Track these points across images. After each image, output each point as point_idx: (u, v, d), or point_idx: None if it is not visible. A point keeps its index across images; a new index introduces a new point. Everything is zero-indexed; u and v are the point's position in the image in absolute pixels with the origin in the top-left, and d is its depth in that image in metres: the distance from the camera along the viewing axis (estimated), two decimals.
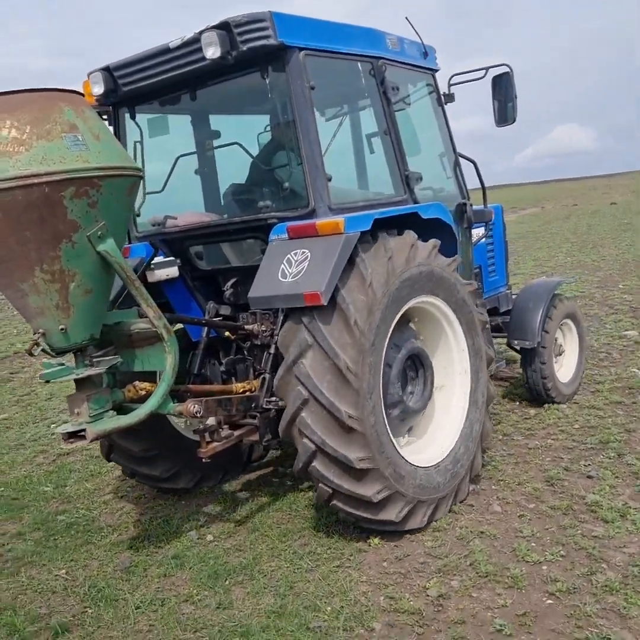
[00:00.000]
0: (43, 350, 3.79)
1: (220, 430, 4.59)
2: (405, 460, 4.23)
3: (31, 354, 3.75)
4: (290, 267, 4.03)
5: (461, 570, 3.97)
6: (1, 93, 3.52)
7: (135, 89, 4.65)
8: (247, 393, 4.75)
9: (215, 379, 5.30)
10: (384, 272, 4.06)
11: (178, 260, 5.03)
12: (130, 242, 5.15)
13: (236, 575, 4.21)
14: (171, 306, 5.13)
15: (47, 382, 3.94)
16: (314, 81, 4.18)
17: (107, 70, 4.65)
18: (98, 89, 4.69)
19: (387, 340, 4.13)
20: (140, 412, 4.02)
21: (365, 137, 5.09)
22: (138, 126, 5.02)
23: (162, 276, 4.93)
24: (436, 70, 5.52)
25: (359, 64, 4.61)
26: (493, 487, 4.94)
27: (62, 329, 3.76)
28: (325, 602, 3.81)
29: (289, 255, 4.08)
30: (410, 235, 4.27)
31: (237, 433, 4.68)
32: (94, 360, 4.03)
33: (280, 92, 4.31)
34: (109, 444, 5.09)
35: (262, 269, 4.17)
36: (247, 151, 4.80)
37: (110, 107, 5.04)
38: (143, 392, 4.26)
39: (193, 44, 4.18)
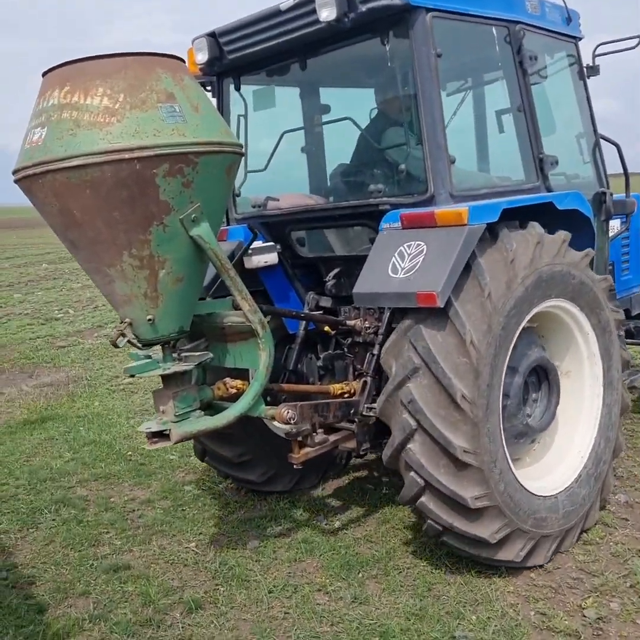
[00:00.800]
0: (129, 341, 3.48)
1: (314, 434, 4.20)
2: (528, 491, 3.70)
3: (116, 346, 3.44)
4: (402, 262, 3.54)
5: (621, 592, 3.64)
6: (95, 57, 3.18)
7: (242, 57, 4.25)
8: (346, 396, 4.33)
9: (311, 375, 4.91)
10: (505, 277, 3.50)
11: (278, 246, 4.63)
12: (228, 224, 4.80)
13: (370, 569, 4.05)
14: (268, 295, 4.76)
15: (132, 376, 3.62)
16: (441, 48, 3.64)
17: (213, 36, 4.28)
18: (202, 57, 4.33)
19: (508, 357, 3.59)
20: (229, 414, 3.66)
21: (495, 113, 4.48)
22: (243, 98, 4.63)
23: (260, 263, 4.55)
24: (579, 39, 4.83)
25: (493, 29, 4.02)
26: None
27: (149, 320, 3.44)
28: (469, 610, 3.57)
29: (401, 248, 3.58)
30: (535, 229, 3.68)
31: (332, 438, 4.27)
32: (183, 354, 3.71)
33: (402, 61, 3.79)
34: (201, 447, 4.80)
35: (370, 261, 3.70)
36: (359, 128, 4.31)
37: (215, 77, 4.67)
38: (234, 391, 3.90)
39: (306, 5, 3.72)
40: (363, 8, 3.56)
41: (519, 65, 4.10)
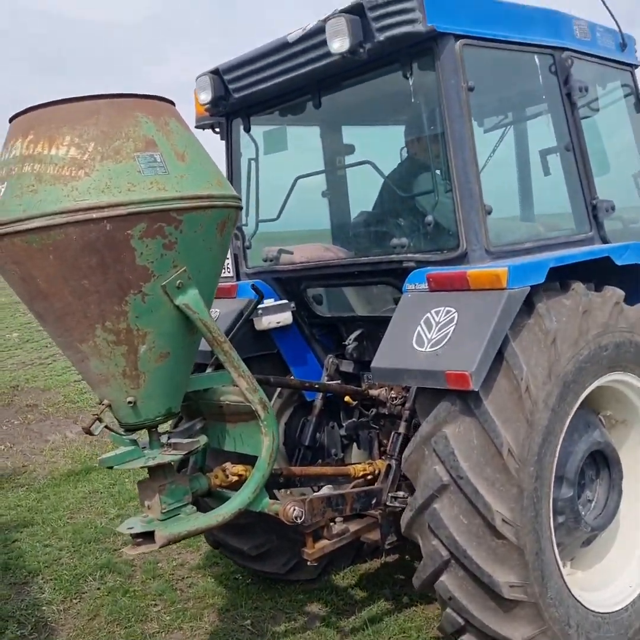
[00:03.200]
0: (107, 427, 2.97)
1: (332, 525, 3.61)
2: (574, 598, 3.02)
3: (90, 433, 2.93)
4: (429, 332, 2.97)
5: None
6: (64, 100, 2.73)
7: (249, 95, 3.79)
8: (369, 477, 3.74)
9: (333, 446, 4.35)
10: (546, 363, 2.91)
11: (292, 304, 4.11)
12: (238, 279, 4.30)
13: None
14: (283, 358, 4.23)
15: (109, 468, 3.10)
16: (473, 80, 3.10)
17: (217, 74, 3.82)
18: (206, 96, 3.88)
19: (556, 455, 2.97)
20: (225, 511, 3.10)
21: (539, 153, 3.91)
22: (253, 140, 4.17)
23: (272, 323, 4.03)
24: (636, 66, 4.24)
25: (535, 57, 3.47)
26: None
27: (130, 402, 2.92)
28: None
29: (428, 314, 3.02)
30: (578, 293, 3.09)
31: (353, 528, 3.67)
32: (172, 439, 3.18)
33: (428, 96, 3.26)
34: (213, 538, 4.23)
35: (392, 329, 3.14)
36: (380, 172, 3.78)
37: (223, 118, 4.22)
38: (235, 479, 3.35)
39: (316, 35, 3.24)
40: (381, 37, 3.05)
41: (566, 97, 3.53)
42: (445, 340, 2.88)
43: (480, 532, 2.78)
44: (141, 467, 3.01)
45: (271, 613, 4.14)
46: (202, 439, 3.24)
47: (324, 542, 3.57)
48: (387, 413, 3.92)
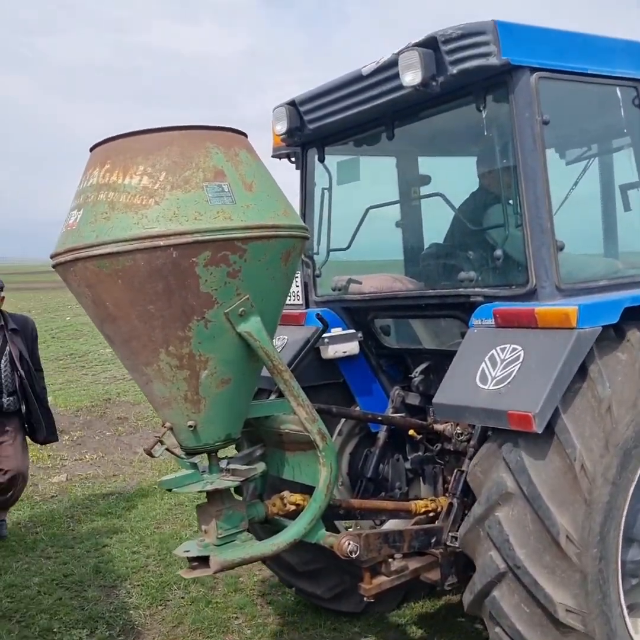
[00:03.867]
0: (168, 449, 3.02)
1: (391, 561, 3.54)
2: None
3: (150, 455, 2.99)
4: (493, 369, 2.88)
5: None
6: (140, 131, 2.84)
7: (324, 126, 3.83)
8: (431, 514, 3.64)
9: (398, 479, 4.27)
10: (634, 385, 2.76)
11: (359, 334, 4.10)
12: (307, 307, 4.32)
13: None
14: (349, 387, 4.20)
15: (169, 490, 3.14)
16: (549, 114, 3.02)
17: (293, 105, 3.89)
18: (281, 127, 3.94)
19: (634, 483, 2.80)
20: (280, 542, 3.09)
21: (619, 188, 3.76)
22: (327, 170, 4.20)
23: (339, 353, 4.03)
24: None
25: (617, 90, 3.35)
26: None
27: (190, 426, 2.97)
28: None
29: (493, 351, 2.94)
30: None
31: (412, 566, 3.58)
32: (231, 465, 3.20)
33: (501, 129, 3.21)
34: (287, 582, 4.24)
35: (456, 364, 3.08)
36: (450, 204, 3.73)
37: (299, 148, 4.28)
38: (293, 508, 3.34)
39: (390, 68, 3.24)
40: (454, 70, 3.03)
41: None
42: (510, 378, 2.79)
43: (544, 622, 2.67)
44: (199, 491, 3.04)
45: (349, 635, 4.17)
46: (260, 466, 3.25)
47: (381, 579, 3.50)
48: (452, 449, 3.83)
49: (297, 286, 4.35)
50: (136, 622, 4.41)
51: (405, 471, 4.28)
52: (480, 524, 2.84)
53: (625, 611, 2.80)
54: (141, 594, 4.76)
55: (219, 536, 3.06)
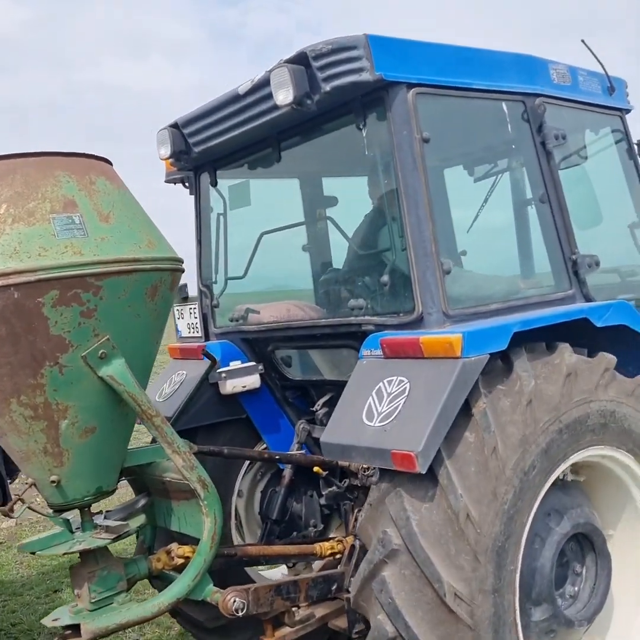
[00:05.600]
0: (30, 507, 2.73)
1: (295, 610, 3.29)
2: None
3: (7, 515, 2.70)
4: (380, 404, 2.69)
5: None
6: None
7: (209, 149, 3.62)
8: (338, 556, 3.42)
9: (312, 516, 4.03)
10: (520, 425, 2.62)
11: (261, 366, 3.87)
12: (206, 339, 4.08)
13: None
14: (253, 422, 3.97)
15: (32, 553, 2.85)
16: (430, 131, 2.87)
17: (176, 127, 3.67)
18: (165, 151, 3.72)
19: (526, 530, 2.63)
20: (161, 602, 2.82)
21: (513, 206, 3.63)
22: (221, 195, 3.98)
23: (238, 387, 3.80)
24: (627, 111, 3.97)
25: (503, 104, 3.22)
26: None
27: (53, 482, 2.69)
28: None
29: (380, 384, 2.75)
30: (564, 355, 2.79)
31: (319, 614, 3.33)
32: (106, 520, 2.93)
33: (381, 148, 3.04)
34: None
35: (344, 400, 2.88)
36: (339, 229, 3.55)
37: (192, 172, 4.06)
38: (181, 561, 3.06)
39: (264, 87, 3.05)
40: (327, 87, 2.85)
41: (540, 146, 3.26)
42: (395, 414, 2.60)
43: (429, 607, 2.44)
44: (64, 554, 2.75)
45: None
46: (139, 520, 2.99)
47: (285, 630, 3.26)
48: (359, 485, 3.62)
49: (196, 318, 4.11)
50: None
51: (320, 508, 4.05)
52: (368, 583, 2.62)
53: (519, 615, 2.59)
54: None
55: (93, 600, 2.79)
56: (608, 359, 2.91)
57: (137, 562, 3.03)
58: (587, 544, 3.01)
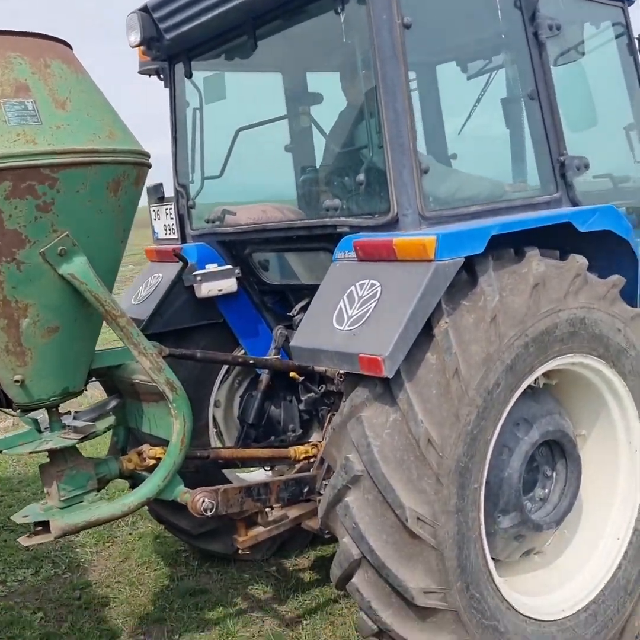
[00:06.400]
0: None
1: (268, 511, 3.33)
2: (507, 604, 2.67)
3: None
4: (350, 308, 2.61)
5: None
6: None
7: (182, 36, 3.39)
8: (312, 460, 3.44)
9: (291, 421, 4.04)
10: (483, 343, 2.52)
11: (237, 270, 3.77)
12: (183, 242, 3.96)
13: None
14: (230, 327, 3.91)
15: None
16: (412, 16, 2.65)
17: (146, 11, 3.43)
18: (135, 37, 3.49)
19: (490, 448, 2.60)
20: (131, 501, 2.83)
21: (501, 103, 3.43)
22: (197, 88, 3.77)
23: (214, 291, 3.71)
24: (629, 2, 3.71)
25: None
26: None
27: (16, 381, 2.64)
28: None
29: (352, 288, 2.66)
30: (532, 263, 2.67)
31: (292, 515, 3.38)
32: (74, 421, 2.90)
33: (360, 35, 2.82)
34: (156, 513, 3.97)
35: (315, 303, 2.80)
36: (318, 127, 3.36)
37: (167, 62, 3.83)
38: (152, 462, 3.06)
39: None
40: None
41: (532, 37, 3.04)
42: (365, 318, 2.52)
43: (392, 530, 2.45)
44: (30, 453, 2.74)
45: (297, 563, 4.10)
46: (108, 421, 2.97)
47: (258, 530, 3.30)
48: (335, 390, 3.60)
49: (172, 219, 3.98)
50: (82, 560, 4.32)
51: (299, 413, 4.05)
52: (332, 508, 2.61)
53: (484, 535, 2.62)
54: (88, 533, 4.59)
55: (62, 498, 2.80)
56: (579, 263, 2.78)
57: (107, 463, 3.03)
58: (558, 448, 3.01)
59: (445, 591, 2.45)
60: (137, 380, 2.98)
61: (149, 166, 2.80)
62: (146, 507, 4.04)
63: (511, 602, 2.68)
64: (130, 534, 4.61)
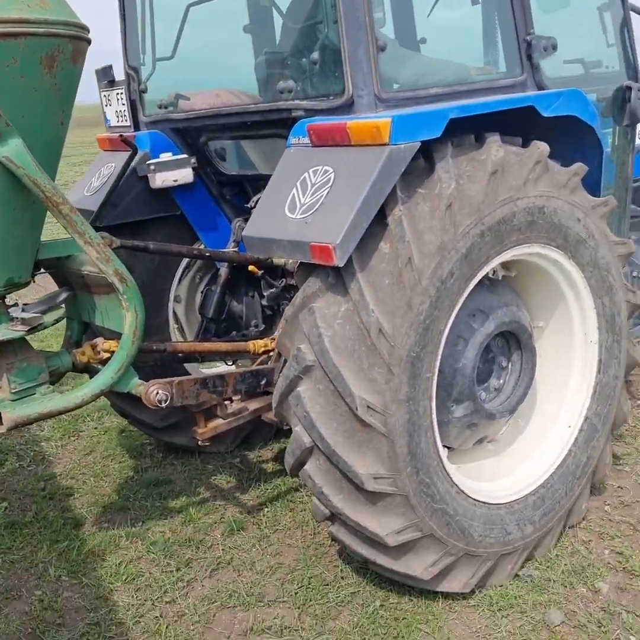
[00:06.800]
0: None
1: (228, 404, 3.35)
2: (457, 488, 2.74)
3: None
4: (303, 195, 2.52)
5: None
6: None
7: None
8: (272, 353, 3.42)
9: (253, 316, 4.01)
10: (438, 232, 2.45)
11: (193, 160, 3.62)
12: (136, 129, 3.78)
13: None
14: (188, 220, 3.79)
15: None
16: None
17: None
18: None
19: (444, 335, 2.57)
20: (84, 393, 2.80)
21: None
22: None
23: (168, 181, 3.57)
24: None
25: None
26: None
27: None
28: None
29: (306, 174, 2.56)
30: (492, 149, 2.57)
31: (252, 407, 3.40)
32: (23, 313, 2.83)
33: None
34: (119, 408, 3.96)
35: (267, 193, 2.70)
36: (277, 7, 3.13)
37: None
38: (107, 356, 3.02)
39: None
40: None
41: None
42: (317, 206, 2.43)
43: (343, 419, 2.47)
44: None
45: (260, 455, 4.16)
46: (57, 313, 2.92)
47: (217, 422, 3.32)
48: (295, 284, 3.55)
49: (124, 105, 3.77)
50: (47, 453, 4.35)
51: (262, 308, 4.01)
52: (285, 397, 2.61)
53: (436, 422, 2.64)
54: (53, 427, 4.64)
55: (13, 391, 2.76)
56: (540, 149, 2.68)
57: (59, 355, 2.99)
58: (514, 340, 3.01)
59: (395, 477, 2.49)
60: (86, 272, 2.90)
61: (88, 42, 2.61)
62: (110, 402, 4.12)
63: (461, 487, 2.75)
64: (95, 428, 4.64)
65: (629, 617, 2.74)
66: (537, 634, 2.70)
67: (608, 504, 3.45)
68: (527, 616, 2.78)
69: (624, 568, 3.02)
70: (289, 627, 2.80)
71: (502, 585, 2.93)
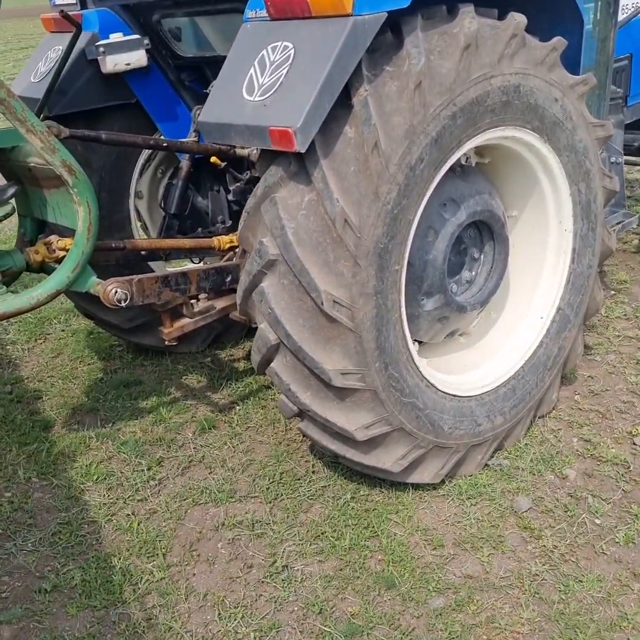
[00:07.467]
0: None
1: (195, 302, 3.26)
2: (427, 382, 2.71)
3: None
4: (261, 75, 2.33)
5: None
6: None
7: None
8: (236, 250, 3.30)
9: (220, 212, 3.85)
10: (406, 114, 2.28)
11: (146, 41, 3.35)
12: (83, 7, 3.47)
13: None
14: (145, 108, 3.56)
15: None
16: None
17: None
18: None
19: (414, 225, 2.45)
20: (39, 293, 2.69)
21: None
22: None
23: (120, 65, 3.31)
24: None
25: None
26: None
27: None
28: None
29: (264, 52, 2.36)
30: (466, 21, 2.36)
31: (220, 306, 3.32)
32: None
33: None
34: (84, 309, 3.81)
35: (223, 74, 2.51)
36: None
37: None
38: (63, 254, 2.88)
39: None
40: None
41: None
42: (276, 86, 2.25)
43: (309, 314, 2.38)
44: None
45: (230, 354, 4.12)
46: (5, 209, 2.77)
47: (183, 321, 3.24)
48: (258, 176, 3.38)
49: None
50: (13, 357, 4.26)
51: (229, 204, 3.84)
52: (249, 294, 2.50)
53: (405, 316, 2.57)
54: (19, 331, 4.52)
55: None
56: (517, 21, 2.48)
57: (11, 254, 2.84)
58: (487, 230, 2.91)
59: (363, 372, 2.44)
60: (33, 164, 2.71)
61: None
62: (74, 303, 4.00)
63: (431, 381, 2.72)
64: (63, 330, 4.53)
65: (594, 501, 2.79)
66: (505, 520, 2.74)
67: (578, 394, 3.46)
68: (495, 503, 2.82)
69: (591, 455, 3.06)
70: (261, 521, 2.82)
71: (471, 475, 2.96)
